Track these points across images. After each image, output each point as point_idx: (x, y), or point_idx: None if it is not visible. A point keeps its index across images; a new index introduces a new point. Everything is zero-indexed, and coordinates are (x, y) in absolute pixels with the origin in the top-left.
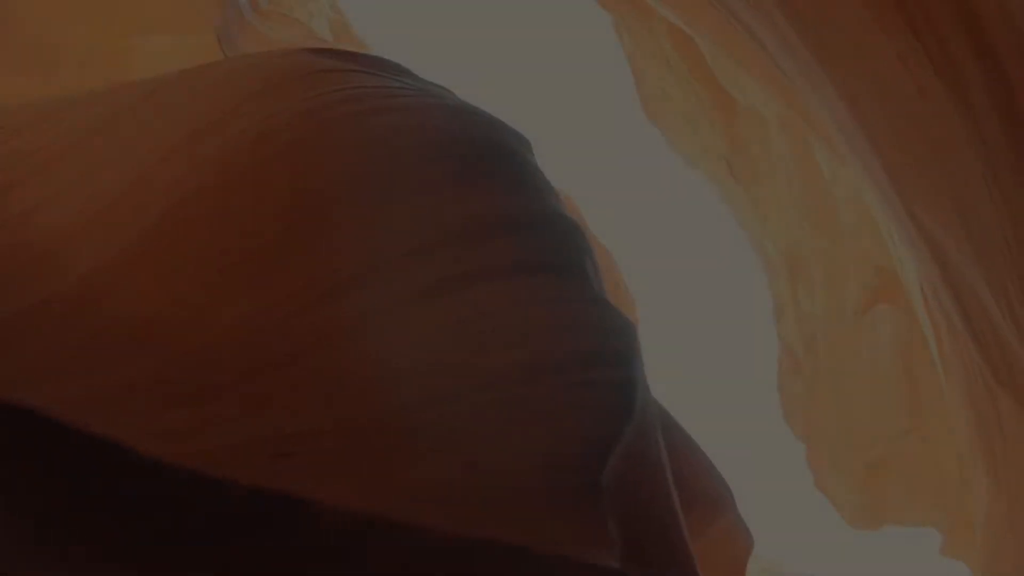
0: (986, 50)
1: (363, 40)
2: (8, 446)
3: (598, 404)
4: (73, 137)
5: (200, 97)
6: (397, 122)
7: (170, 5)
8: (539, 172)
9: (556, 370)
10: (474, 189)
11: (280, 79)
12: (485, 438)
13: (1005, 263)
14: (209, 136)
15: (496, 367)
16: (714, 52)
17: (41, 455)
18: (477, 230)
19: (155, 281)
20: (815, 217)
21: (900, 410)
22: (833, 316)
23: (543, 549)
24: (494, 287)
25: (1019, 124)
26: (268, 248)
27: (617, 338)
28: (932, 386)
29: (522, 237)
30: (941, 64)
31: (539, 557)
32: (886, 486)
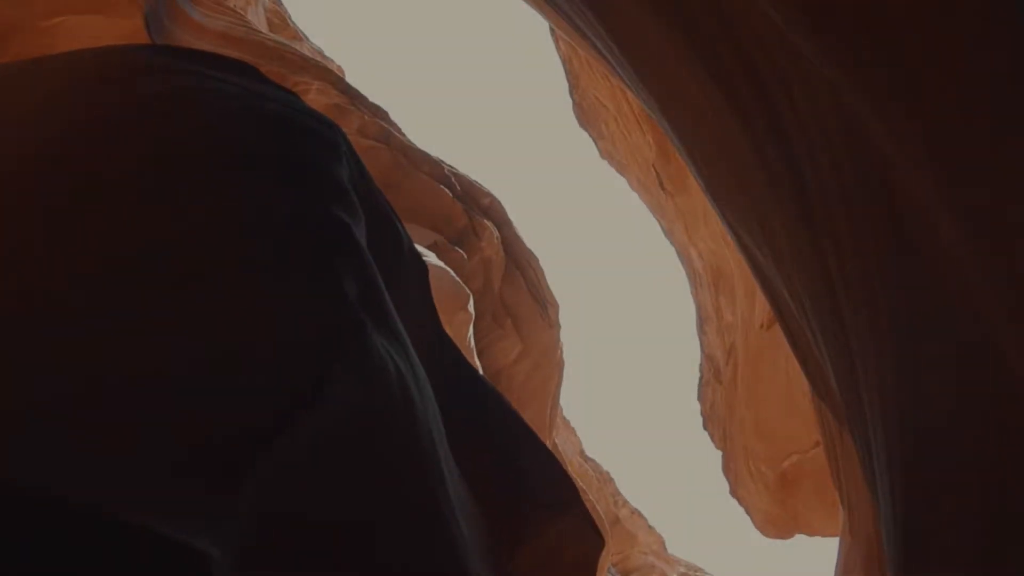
0: (752, 72)
1: (301, 31)
2: None
3: (262, 399)
4: None
5: (28, 91)
6: (186, 124)
7: None
8: (325, 175)
9: (236, 362)
10: (241, 190)
11: (101, 77)
12: (150, 423)
13: (795, 268)
14: (32, 128)
15: (187, 358)
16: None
17: None
18: (233, 228)
19: None
20: None
21: (812, 421)
22: (750, 327)
23: (150, 527)
24: (226, 281)
25: (784, 135)
26: (41, 238)
27: (319, 334)
28: None
29: (272, 237)
30: (722, 81)
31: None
32: (797, 497)
